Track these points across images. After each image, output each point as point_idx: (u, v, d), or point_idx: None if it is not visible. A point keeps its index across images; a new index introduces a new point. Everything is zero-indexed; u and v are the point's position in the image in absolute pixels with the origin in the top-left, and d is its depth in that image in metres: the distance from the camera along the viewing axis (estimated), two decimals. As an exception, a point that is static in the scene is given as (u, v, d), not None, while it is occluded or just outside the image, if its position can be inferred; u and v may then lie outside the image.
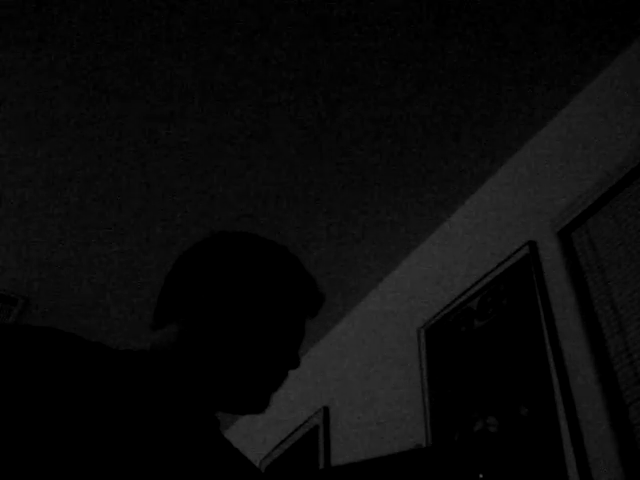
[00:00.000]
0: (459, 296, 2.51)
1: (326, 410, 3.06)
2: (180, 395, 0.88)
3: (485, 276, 2.43)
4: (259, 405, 0.93)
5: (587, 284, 2.04)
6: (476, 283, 2.45)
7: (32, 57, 2.23)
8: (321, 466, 2.87)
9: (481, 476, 0.78)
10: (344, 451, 2.85)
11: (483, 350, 2.29)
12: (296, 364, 0.96)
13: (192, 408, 0.88)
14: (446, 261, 2.71)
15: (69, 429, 0.70)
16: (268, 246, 0.99)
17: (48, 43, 2.19)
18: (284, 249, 1.01)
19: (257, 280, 0.94)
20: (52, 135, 2.48)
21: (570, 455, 1.85)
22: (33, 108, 2.39)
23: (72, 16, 2.12)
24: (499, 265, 2.38)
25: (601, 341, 1.93)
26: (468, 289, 2.48)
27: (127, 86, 2.32)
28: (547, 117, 2.42)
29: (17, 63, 2.24)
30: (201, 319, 0.91)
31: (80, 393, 0.73)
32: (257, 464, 3.34)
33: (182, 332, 0.91)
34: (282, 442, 3.21)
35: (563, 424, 1.91)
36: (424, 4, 2.08)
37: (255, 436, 3.46)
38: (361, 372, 2.97)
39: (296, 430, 3.16)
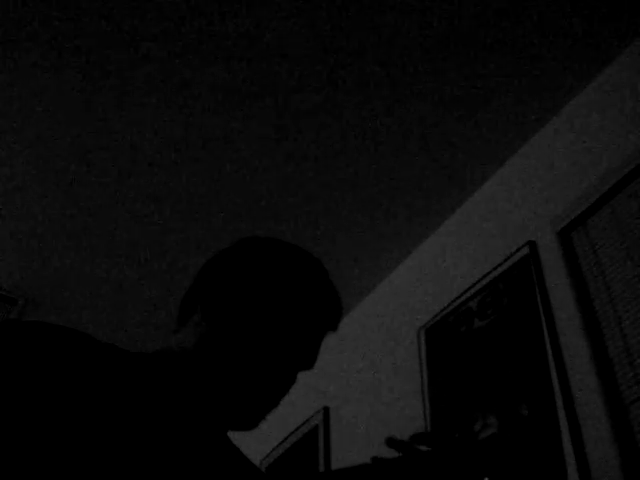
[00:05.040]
0: (459, 296, 2.51)
1: (326, 410, 3.06)
2: (187, 398, 0.87)
3: (485, 276, 2.43)
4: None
5: (587, 284, 2.04)
6: (476, 283, 2.45)
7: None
8: (321, 466, 2.86)
9: (486, 479, 0.77)
10: (344, 451, 2.85)
11: (483, 350, 2.29)
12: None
13: (198, 412, 0.88)
14: (446, 261, 2.71)
15: (72, 428, 0.70)
16: (295, 255, 0.97)
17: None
18: (310, 259, 0.98)
19: (275, 288, 0.93)
20: (54, 135, 2.48)
21: (570, 455, 1.85)
22: (37, 107, 2.39)
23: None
24: (499, 265, 2.38)
25: (601, 341, 1.93)
26: (468, 289, 2.48)
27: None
28: (547, 117, 2.42)
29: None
30: (216, 325, 0.90)
31: (86, 393, 0.73)
32: (257, 464, 3.34)
33: (197, 336, 0.91)
34: (282, 442, 3.21)
35: (563, 424, 1.91)
36: (422, 5, 2.08)
37: (255, 436, 3.46)
38: (361, 372, 2.97)
39: (296, 430, 3.16)
